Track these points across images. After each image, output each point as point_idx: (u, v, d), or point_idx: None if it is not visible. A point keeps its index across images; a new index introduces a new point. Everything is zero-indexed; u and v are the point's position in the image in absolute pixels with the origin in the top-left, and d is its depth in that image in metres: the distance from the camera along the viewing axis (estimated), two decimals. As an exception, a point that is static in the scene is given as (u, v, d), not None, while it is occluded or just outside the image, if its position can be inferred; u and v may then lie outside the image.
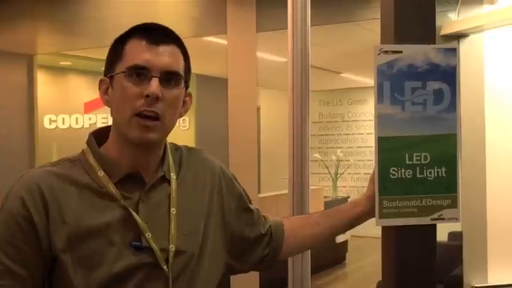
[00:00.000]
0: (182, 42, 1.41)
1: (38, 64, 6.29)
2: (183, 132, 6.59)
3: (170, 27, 1.41)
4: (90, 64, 7.01)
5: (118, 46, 1.38)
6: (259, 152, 8.26)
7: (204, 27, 5.20)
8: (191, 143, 7.98)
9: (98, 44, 5.33)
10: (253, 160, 4.73)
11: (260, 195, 6.39)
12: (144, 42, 1.34)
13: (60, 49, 6.45)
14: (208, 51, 6.27)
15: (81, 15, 5.53)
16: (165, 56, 1.34)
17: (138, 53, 1.33)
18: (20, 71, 6.14)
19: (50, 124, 6.29)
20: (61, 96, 7.22)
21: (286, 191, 2.00)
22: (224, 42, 5.00)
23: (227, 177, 1.57)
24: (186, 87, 1.42)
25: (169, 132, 1.41)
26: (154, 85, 1.31)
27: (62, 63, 7.35)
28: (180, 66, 1.38)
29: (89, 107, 6.35)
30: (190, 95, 1.46)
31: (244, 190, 1.61)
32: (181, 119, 7.00)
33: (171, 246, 1.36)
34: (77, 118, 6.35)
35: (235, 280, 4.05)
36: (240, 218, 1.56)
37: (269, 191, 7.15)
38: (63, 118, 6.32)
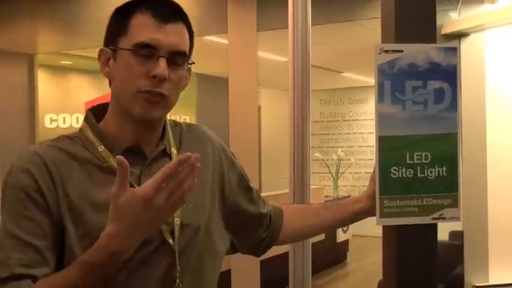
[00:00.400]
0: (187, 18, 1.37)
1: (38, 63, 6.30)
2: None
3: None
4: (91, 63, 7.01)
5: (122, 18, 1.33)
6: (260, 152, 8.26)
7: (204, 26, 5.20)
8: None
9: (98, 44, 5.28)
10: (254, 159, 4.73)
11: (261, 195, 6.38)
12: (152, 19, 1.30)
13: (60, 48, 6.45)
14: (209, 51, 6.27)
15: (82, 15, 5.53)
16: (173, 36, 1.31)
17: (146, 30, 1.29)
18: (20, 70, 6.14)
19: (51, 123, 6.30)
20: (62, 96, 7.22)
21: (287, 191, 2.00)
22: (225, 41, 5.01)
23: (227, 154, 1.55)
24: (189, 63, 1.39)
25: (172, 108, 1.38)
26: (162, 65, 1.28)
27: (62, 62, 7.35)
28: (186, 46, 1.35)
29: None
30: (189, 69, 1.41)
31: (243, 169, 1.59)
32: (181, 118, 6.94)
33: (176, 219, 1.34)
34: (77, 117, 6.36)
35: (237, 278, 4.05)
36: (240, 194, 1.54)
37: (270, 191, 7.15)
38: (64, 117, 6.34)
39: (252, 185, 1.60)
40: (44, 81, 6.60)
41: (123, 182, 1.14)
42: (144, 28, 1.30)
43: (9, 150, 5.46)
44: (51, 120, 6.31)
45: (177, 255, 1.33)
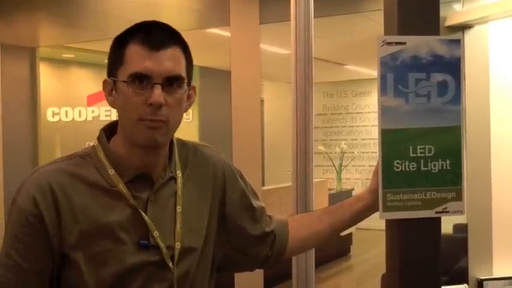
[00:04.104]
0: (182, 40, 1.39)
1: (40, 57, 6.28)
2: (186, 124, 6.58)
3: (173, 20, 1.39)
4: (93, 56, 7.01)
5: (118, 48, 1.36)
6: (263, 145, 8.25)
7: (207, 19, 5.18)
8: (194, 136, 7.97)
9: (100, 37, 5.31)
10: (257, 153, 4.72)
11: (264, 188, 6.38)
12: (144, 48, 1.32)
13: (62, 42, 6.44)
14: (212, 44, 6.25)
15: (84, 8, 5.51)
16: (166, 62, 1.33)
17: (139, 59, 1.32)
18: (22, 63, 6.12)
19: (53, 117, 6.29)
20: (64, 89, 7.22)
21: (290, 184, 1.99)
22: (227, 34, 4.99)
23: (231, 173, 1.57)
24: (189, 83, 1.41)
25: (176, 130, 1.42)
26: (157, 93, 1.31)
27: (64, 55, 7.34)
28: (182, 69, 1.37)
29: (92, 100, 6.35)
30: (193, 88, 1.45)
31: (251, 188, 1.61)
32: (184, 111, 6.85)
33: (176, 243, 1.39)
34: (80, 111, 6.34)
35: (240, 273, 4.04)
36: (242, 214, 1.56)
37: (273, 184, 7.14)
38: (66, 111, 6.32)
39: (256, 203, 1.60)
40: (46, 74, 6.58)
41: None
42: (136, 58, 1.32)
43: (12, 143, 5.46)
44: (54, 114, 6.30)
45: (175, 278, 1.38)
